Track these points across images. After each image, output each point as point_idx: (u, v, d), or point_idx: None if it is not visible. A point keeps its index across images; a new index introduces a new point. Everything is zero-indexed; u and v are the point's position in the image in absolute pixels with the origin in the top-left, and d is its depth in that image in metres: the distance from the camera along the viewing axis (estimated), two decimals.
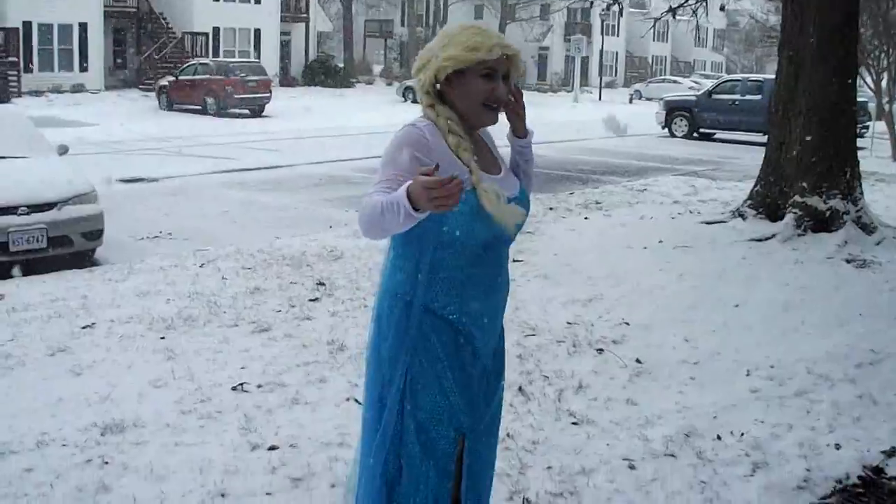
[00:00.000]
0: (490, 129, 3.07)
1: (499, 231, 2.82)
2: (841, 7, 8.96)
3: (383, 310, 2.94)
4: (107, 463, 4.44)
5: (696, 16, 11.30)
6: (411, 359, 2.87)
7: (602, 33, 60.39)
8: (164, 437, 4.78)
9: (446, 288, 2.85)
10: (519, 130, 3.10)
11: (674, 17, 11.87)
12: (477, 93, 2.84)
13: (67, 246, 9.29)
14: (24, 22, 38.90)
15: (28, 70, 38.77)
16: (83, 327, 6.73)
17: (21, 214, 8.91)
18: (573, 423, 5.06)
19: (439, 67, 2.84)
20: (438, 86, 2.89)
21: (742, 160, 21.03)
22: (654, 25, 14.74)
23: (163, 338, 6.48)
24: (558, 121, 31.35)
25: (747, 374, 5.86)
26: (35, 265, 8.93)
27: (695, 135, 28.10)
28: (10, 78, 36.12)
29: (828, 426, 5.05)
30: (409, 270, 2.87)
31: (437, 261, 2.83)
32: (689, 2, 11.41)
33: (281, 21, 49.46)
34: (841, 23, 8.97)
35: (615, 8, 11.77)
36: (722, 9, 14.16)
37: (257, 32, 47.88)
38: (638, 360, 6.08)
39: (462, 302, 2.87)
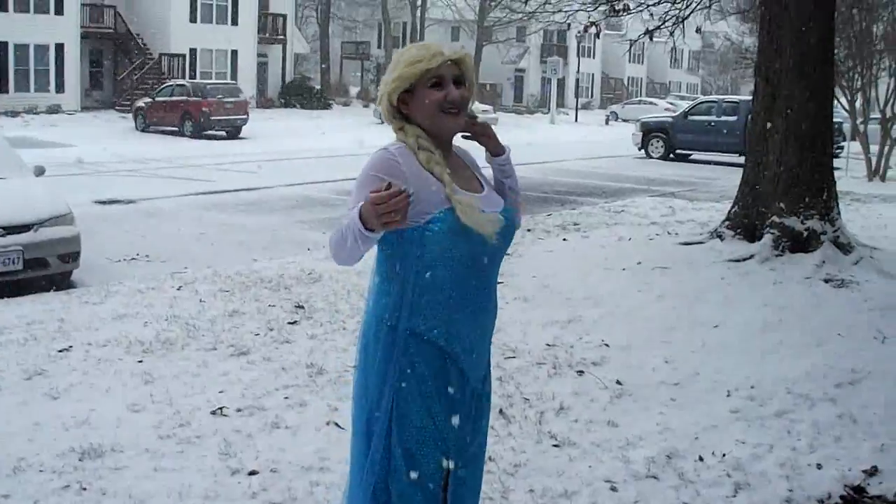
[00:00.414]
0: (471, 152, 3.08)
1: (481, 248, 2.81)
2: (816, 28, 9.03)
3: (369, 336, 2.92)
4: (84, 489, 4.39)
5: (674, 38, 11.37)
6: (398, 384, 2.84)
7: (578, 55, 60.75)
8: (142, 462, 4.73)
9: (431, 310, 2.83)
10: (494, 149, 3.10)
11: (650, 40, 11.95)
12: (431, 102, 2.84)
13: (44, 268, 9.21)
14: None
15: (3, 90, 38.59)
16: (60, 350, 6.66)
17: None
18: (554, 446, 5.04)
19: (391, 91, 2.87)
20: (401, 109, 2.90)
21: (719, 181, 21.16)
22: (630, 48, 14.81)
23: (140, 361, 6.42)
24: (535, 142, 31.48)
25: (727, 395, 5.86)
26: (11, 287, 8.85)
27: (671, 156, 28.27)
28: None
29: (809, 446, 5.06)
30: (394, 294, 2.85)
31: (421, 283, 2.81)
32: (666, 24, 11.48)
33: (258, 43, 49.46)
34: (817, 44, 9.04)
35: (592, 30, 11.82)
36: (698, 31, 14.25)
37: (234, 54, 47.86)
38: (618, 382, 6.08)
39: (448, 324, 2.85)
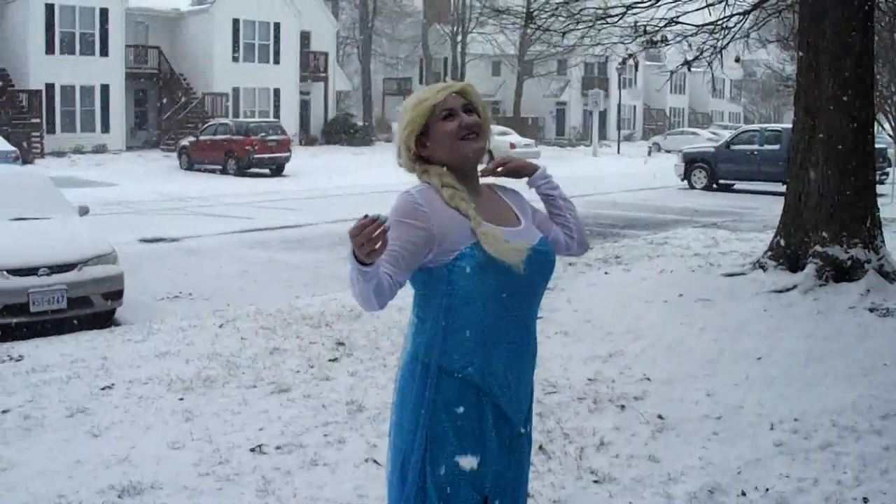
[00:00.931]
0: (516, 187, 3.09)
1: (513, 282, 2.79)
2: (856, 55, 8.95)
3: (405, 373, 2.91)
4: None
5: (711, 68, 11.33)
6: (431, 421, 2.82)
7: (619, 87, 60.72)
8: (181, 499, 4.75)
9: (464, 347, 2.81)
10: (527, 171, 3.12)
11: (689, 70, 11.91)
12: (447, 133, 2.87)
13: (87, 306, 9.33)
14: (46, 84, 39.59)
15: (50, 131, 39.27)
16: (102, 388, 6.73)
17: (42, 275, 8.97)
18: (595, 482, 5.00)
19: (407, 136, 2.90)
20: (421, 153, 2.93)
21: (762, 211, 20.98)
22: (669, 78, 14.77)
23: (181, 399, 6.46)
24: (578, 175, 31.38)
25: (771, 428, 5.78)
26: (55, 326, 8.96)
27: (714, 186, 28.09)
28: (33, 139, 36.64)
29: (854, 479, 4.98)
30: (427, 332, 2.84)
31: (452, 320, 2.80)
32: (704, 54, 11.44)
33: (300, 80, 49.90)
34: (856, 70, 8.96)
35: (630, 62, 11.80)
36: (737, 60, 14.20)
37: (277, 92, 48.31)
38: (660, 416, 6.02)
39: (483, 361, 2.82)
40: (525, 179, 3.15)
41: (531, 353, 2.99)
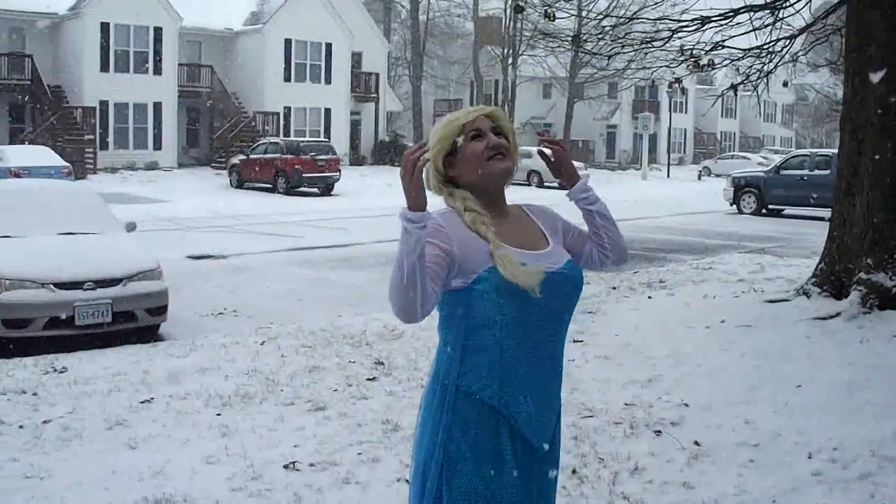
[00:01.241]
0: (550, 206, 3.10)
1: (534, 306, 2.78)
2: None
3: (427, 393, 2.93)
4: None
5: (758, 92, 11.25)
6: (448, 440, 2.83)
7: (670, 110, 60.44)
8: None
9: (482, 370, 2.81)
10: (569, 172, 3.13)
11: (735, 94, 11.83)
12: (475, 152, 2.90)
13: (131, 321, 9.45)
14: (100, 101, 40.29)
15: (104, 147, 39.87)
16: (142, 402, 6.82)
17: (87, 289, 9.11)
18: None
19: (436, 154, 2.93)
20: (448, 172, 2.96)
21: (811, 236, 20.74)
22: (714, 102, 14.68)
23: (219, 414, 6.52)
24: (627, 198, 31.29)
25: (809, 457, 5.71)
26: (100, 339, 9.08)
27: (763, 211, 27.85)
28: (86, 155, 37.20)
29: None
30: (449, 354, 2.86)
31: (472, 342, 2.80)
32: (750, 78, 11.37)
33: (351, 101, 50.22)
34: None
35: (677, 86, 11.75)
36: (785, 85, 14.06)
37: (327, 112, 48.65)
38: (696, 443, 5.97)
39: (501, 385, 2.81)
40: (565, 192, 3.16)
41: (555, 377, 2.97)
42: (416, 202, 2.58)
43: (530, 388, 2.87)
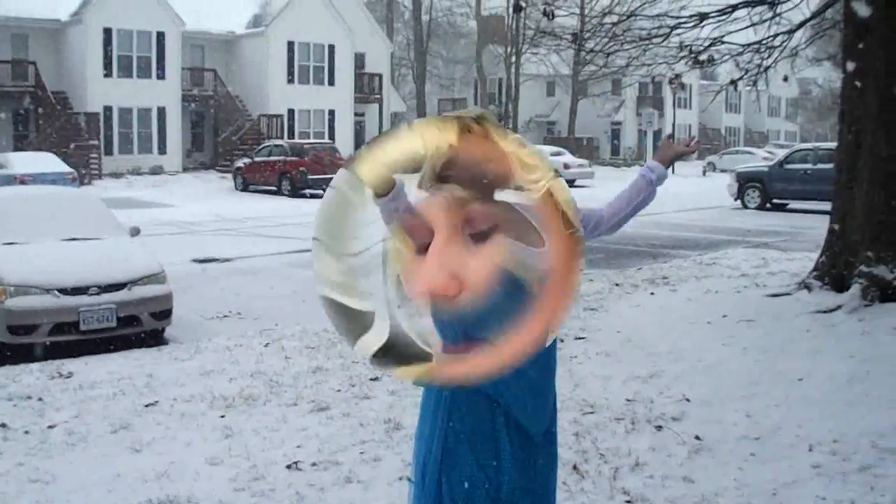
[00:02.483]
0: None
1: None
2: None
3: (426, 388, 2.97)
4: None
5: (757, 87, 11.30)
6: (445, 433, 2.86)
7: (674, 106, 60.33)
8: None
9: None
10: (666, 163, 3.60)
11: (736, 89, 11.88)
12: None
13: (136, 325, 9.50)
14: (104, 107, 40.36)
15: (108, 153, 39.98)
16: (146, 405, 6.86)
17: (92, 294, 9.16)
18: (627, 502, 4.99)
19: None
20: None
21: (815, 230, 20.65)
22: (714, 98, 14.75)
23: (222, 416, 6.56)
24: None
25: (809, 450, 5.73)
26: (105, 344, 9.13)
27: (767, 205, 27.83)
28: (91, 160, 37.29)
29: (893, 502, 4.92)
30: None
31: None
32: (749, 73, 11.41)
33: (355, 102, 50.24)
34: None
35: (677, 82, 11.80)
36: (785, 79, 14.12)
37: (331, 113, 48.67)
38: (697, 437, 5.99)
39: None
40: (651, 159, 3.46)
41: (548, 366, 3.00)
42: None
43: (524, 376, 2.90)
